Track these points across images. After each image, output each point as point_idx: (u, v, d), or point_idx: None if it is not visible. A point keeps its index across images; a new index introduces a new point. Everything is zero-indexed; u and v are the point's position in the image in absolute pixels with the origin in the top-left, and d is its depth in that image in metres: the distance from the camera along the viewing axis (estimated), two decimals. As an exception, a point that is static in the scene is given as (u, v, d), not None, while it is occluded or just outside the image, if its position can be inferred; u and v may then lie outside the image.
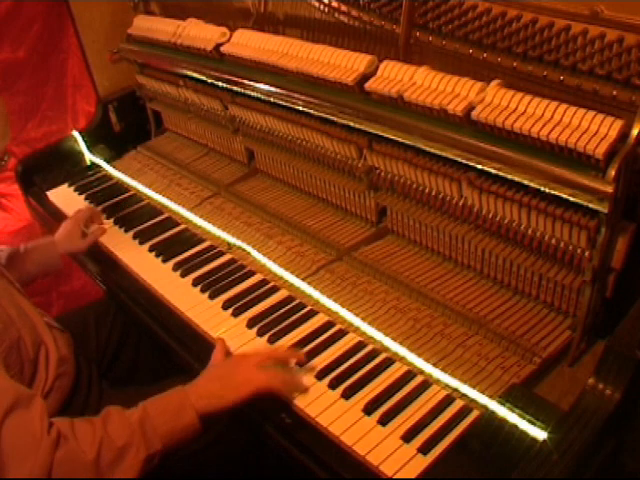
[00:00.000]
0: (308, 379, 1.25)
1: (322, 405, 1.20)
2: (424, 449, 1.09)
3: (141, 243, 1.77)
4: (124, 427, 1.12)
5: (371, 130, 1.44)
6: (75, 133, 2.30)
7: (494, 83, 1.25)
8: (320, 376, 1.26)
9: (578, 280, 1.25)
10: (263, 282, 1.55)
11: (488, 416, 1.13)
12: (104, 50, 2.26)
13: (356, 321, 1.37)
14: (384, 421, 1.15)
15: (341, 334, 1.36)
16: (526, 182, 1.17)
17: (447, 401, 1.18)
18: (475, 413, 1.14)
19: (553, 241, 1.25)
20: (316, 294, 1.47)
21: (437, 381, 1.22)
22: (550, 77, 1.25)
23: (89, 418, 1.14)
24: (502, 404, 1.13)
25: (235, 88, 1.79)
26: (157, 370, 1.72)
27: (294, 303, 1.46)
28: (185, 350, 1.44)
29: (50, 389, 1.36)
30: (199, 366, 1.37)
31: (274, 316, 1.43)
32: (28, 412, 1.08)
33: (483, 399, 1.16)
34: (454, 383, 1.20)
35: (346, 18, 1.63)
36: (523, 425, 1.09)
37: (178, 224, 1.84)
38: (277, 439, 1.21)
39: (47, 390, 1.35)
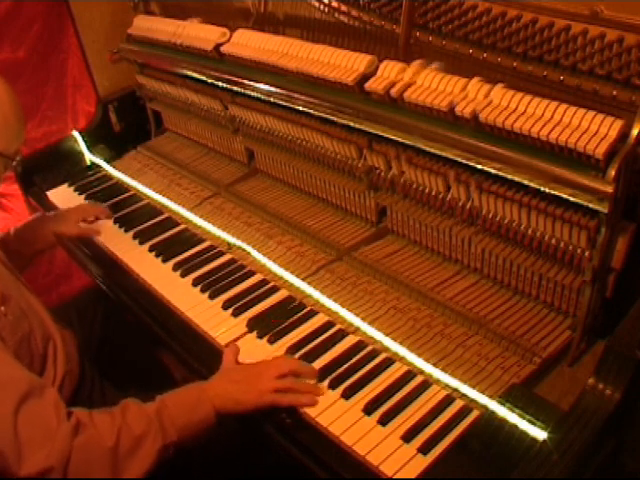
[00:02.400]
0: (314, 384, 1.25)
1: (322, 405, 1.20)
2: (424, 449, 1.09)
3: (141, 243, 1.77)
4: (142, 417, 1.14)
5: (371, 130, 1.44)
6: (75, 133, 2.30)
7: (499, 86, 1.25)
8: (320, 376, 1.26)
9: (578, 280, 1.24)
10: (263, 282, 1.55)
11: (488, 416, 1.13)
12: (104, 50, 2.26)
13: (356, 321, 1.37)
14: (384, 421, 1.15)
15: (341, 334, 1.36)
16: (526, 182, 1.17)
17: (447, 401, 1.18)
18: (475, 413, 1.14)
19: (553, 241, 1.25)
20: (316, 294, 1.47)
21: (437, 381, 1.22)
22: (550, 77, 1.25)
23: (107, 409, 1.16)
24: (502, 404, 1.13)
25: (235, 88, 1.79)
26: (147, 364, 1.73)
27: (294, 303, 1.46)
28: (185, 350, 1.44)
29: (60, 386, 1.36)
30: (199, 366, 1.38)
31: (274, 316, 1.43)
32: (42, 400, 1.10)
33: (483, 399, 1.16)
34: (454, 383, 1.20)
35: (346, 18, 1.63)
36: (523, 425, 1.09)
37: (178, 224, 1.84)
38: (277, 439, 1.21)
39: (57, 387, 1.35)
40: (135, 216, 1.90)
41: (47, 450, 1.05)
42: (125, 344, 1.78)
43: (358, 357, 1.29)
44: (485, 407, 1.14)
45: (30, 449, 1.05)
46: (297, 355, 1.31)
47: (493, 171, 1.22)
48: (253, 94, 1.73)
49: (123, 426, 1.12)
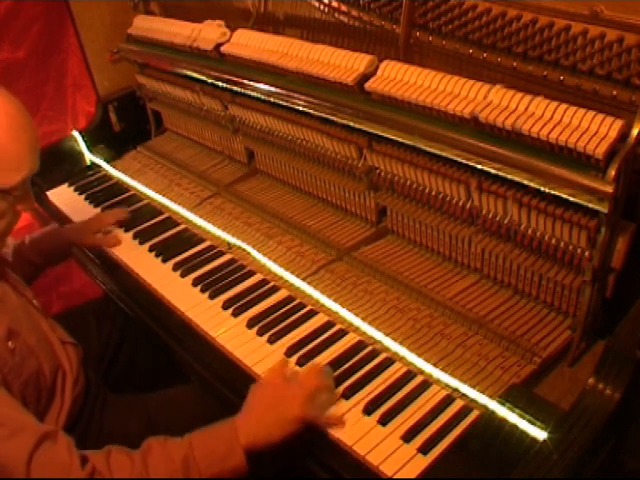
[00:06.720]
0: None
1: (322, 405, 1.19)
2: (424, 449, 1.09)
3: (141, 243, 1.77)
4: (166, 465, 1.07)
5: (371, 130, 1.44)
6: (75, 133, 2.30)
7: (497, 87, 1.25)
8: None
9: (578, 280, 1.24)
10: (263, 282, 1.55)
11: (488, 416, 1.13)
12: (104, 50, 2.27)
13: (356, 321, 1.37)
14: (384, 421, 1.15)
15: (341, 334, 1.36)
16: (526, 182, 1.17)
17: (447, 401, 1.18)
18: (475, 413, 1.14)
19: (553, 241, 1.25)
20: (316, 294, 1.47)
21: (437, 381, 1.22)
22: (550, 77, 1.25)
23: (128, 452, 1.10)
24: (502, 404, 1.13)
25: (235, 88, 1.79)
26: (156, 371, 1.71)
27: (294, 303, 1.46)
28: (185, 350, 1.44)
29: (68, 414, 1.32)
30: (199, 366, 1.38)
31: (274, 316, 1.43)
32: (55, 446, 1.07)
33: (483, 399, 1.16)
34: (454, 383, 1.20)
35: (346, 18, 1.63)
36: (523, 425, 1.09)
37: (178, 224, 1.84)
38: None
39: (65, 415, 1.32)
40: (135, 216, 1.90)
41: None
42: (139, 346, 1.76)
43: (358, 357, 1.29)
44: (485, 407, 1.14)
45: None
46: (297, 355, 1.31)
47: (493, 171, 1.22)
48: (253, 94, 1.73)
49: (143, 474, 1.05)
